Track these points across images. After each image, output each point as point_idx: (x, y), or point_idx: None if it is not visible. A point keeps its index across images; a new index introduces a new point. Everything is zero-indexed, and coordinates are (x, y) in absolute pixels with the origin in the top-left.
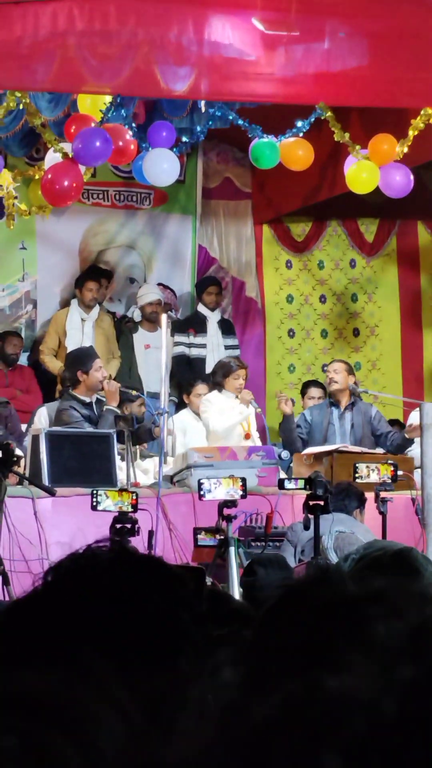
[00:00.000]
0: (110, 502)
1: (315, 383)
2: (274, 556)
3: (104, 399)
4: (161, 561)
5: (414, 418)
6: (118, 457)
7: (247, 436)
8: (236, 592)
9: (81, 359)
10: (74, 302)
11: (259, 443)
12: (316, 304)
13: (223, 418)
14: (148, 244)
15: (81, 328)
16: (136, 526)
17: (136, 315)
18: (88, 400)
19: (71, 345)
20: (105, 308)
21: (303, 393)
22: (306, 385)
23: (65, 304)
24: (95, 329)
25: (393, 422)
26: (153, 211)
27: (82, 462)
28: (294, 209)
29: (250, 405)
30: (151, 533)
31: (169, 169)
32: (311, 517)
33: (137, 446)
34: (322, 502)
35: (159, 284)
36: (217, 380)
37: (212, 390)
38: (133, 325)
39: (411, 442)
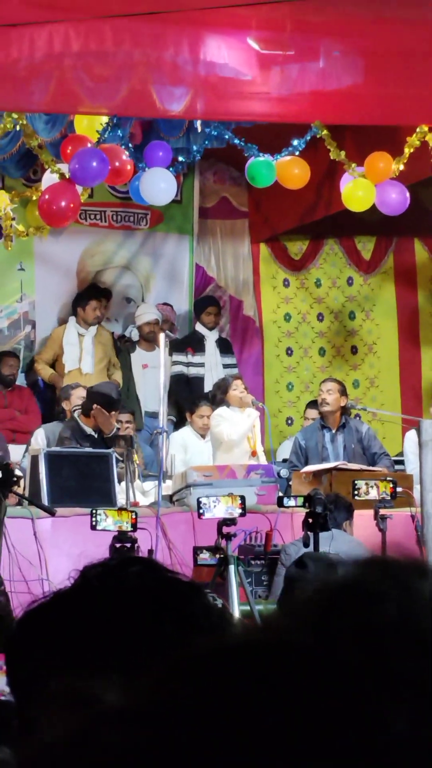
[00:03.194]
0: (110, 521)
1: (314, 404)
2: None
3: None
4: (194, 584)
5: (409, 439)
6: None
7: (254, 454)
8: (236, 610)
9: (109, 401)
10: (72, 319)
11: (264, 459)
12: (314, 323)
13: (236, 428)
14: (145, 264)
15: (78, 344)
16: (136, 545)
17: (134, 334)
18: (88, 431)
19: (69, 360)
20: (103, 327)
21: (305, 413)
22: (307, 405)
23: (63, 322)
24: (95, 344)
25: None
26: (150, 231)
27: (81, 482)
28: (291, 228)
29: (253, 406)
30: (150, 552)
31: (165, 189)
32: (310, 534)
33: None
34: (321, 520)
35: (158, 304)
36: (219, 399)
37: (219, 407)
38: (130, 344)
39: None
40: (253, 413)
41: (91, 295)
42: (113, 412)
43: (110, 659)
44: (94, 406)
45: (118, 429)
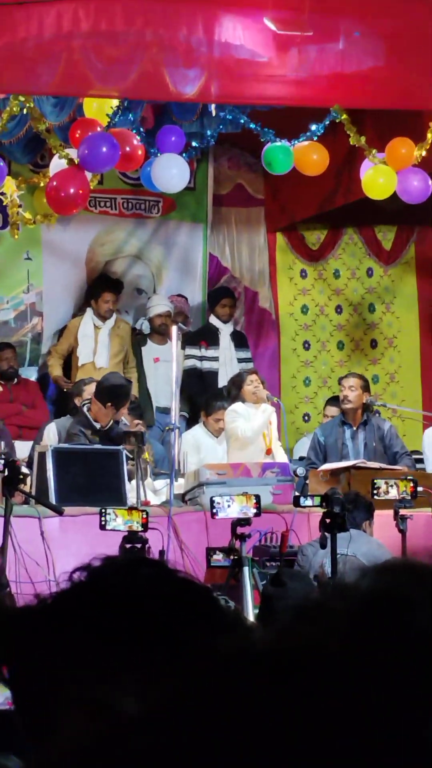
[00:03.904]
0: (120, 521)
1: (335, 400)
2: (299, 572)
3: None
4: (206, 589)
5: (428, 437)
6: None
7: (269, 452)
8: (251, 614)
9: (119, 396)
10: (89, 311)
11: (282, 454)
12: (332, 315)
13: (250, 424)
14: (157, 253)
15: (94, 336)
16: (147, 545)
17: (145, 327)
18: (99, 426)
19: (83, 354)
20: (121, 317)
21: (324, 409)
22: (327, 402)
23: (76, 314)
24: (111, 337)
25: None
26: (162, 219)
27: (90, 480)
28: (308, 216)
29: (268, 402)
30: (162, 553)
31: (178, 175)
32: (328, 535)
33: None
34: (339, 520)
35: (171, 295)
36: (234, 395)
37: (233, 402)
38: (142, 337)
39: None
40: (269, 409)
41: (105, 287)
42: (111, 405)
43: (120, 663)
44: (107, 404)
45: (127, 425)
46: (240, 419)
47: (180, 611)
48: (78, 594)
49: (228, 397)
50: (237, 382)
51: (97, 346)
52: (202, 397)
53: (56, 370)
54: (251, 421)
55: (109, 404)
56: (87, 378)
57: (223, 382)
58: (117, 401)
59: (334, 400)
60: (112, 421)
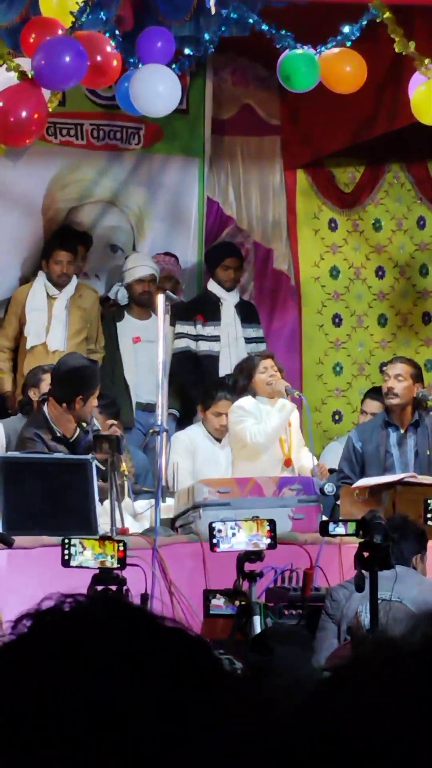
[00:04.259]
0: (88, 554)
1: (376, 393)
2: (293, 630)
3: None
4: (183, 629)
5: None
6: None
7: (287, 462)
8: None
9: (87, 381)
10: (41, 275)
11: (308, 458)
12: (372, 280)
13: (263, 425)
14: (137, 198)
15: (47, 309)
16: (125, 587)
17: (122, 296)
18: (59, 433)
19: (32, 333)
20: (86, 282)
21: (362, 404)
22: (366, 395)
23: (26, 280)
24: (70, 310)
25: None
26: (144, 152)
27: (49, 500)
28: (340, 148)
29: (287, 396)
30: (144, 598)
31: (165, 94)
32: (366, 574)
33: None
34: (381, 554)
35: (157, 254)
36: (242, 386)
37: (240, 397)
38: (117, 310)
39: None
40: (288, 406)
41: (58, 244)
42: (73, 402)
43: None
44: (76, 398)
45: (97, 428)
46: (249, 419)
47: (169, 681)
48: (18, 654)
49: (234, 390)
50: (246, 369)
51: (50, 323)
52: (198, 389)
53: (5, 383)
54: (264, 422)
55: (71, 401)
56: (47, 365)
57: (226, 369)
58: (81, 390)
59: (374, 393)
60: (78, 431)
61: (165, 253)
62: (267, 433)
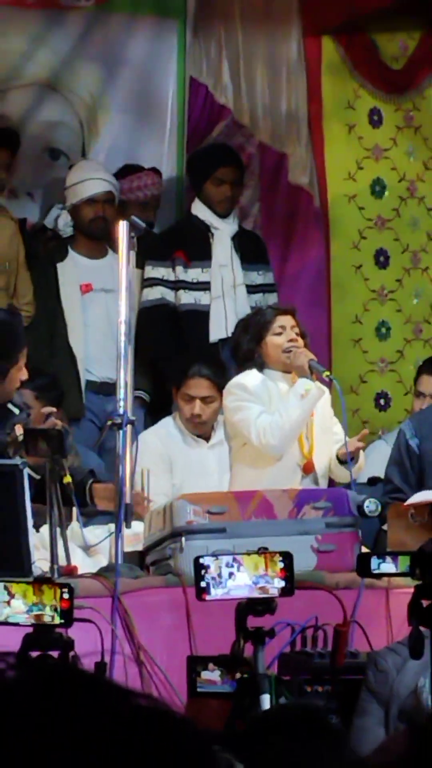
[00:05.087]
0: (18, 605)
1: None
2: (313, 712)
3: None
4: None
5: None
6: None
7: (308, 468)
8: None
9: (2, 345)
10: None
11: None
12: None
13: (275, 418)
14: (88, 79)
15: None
16: (71, 654)
17: (64, 224)
18: None
19: None
20: (2, 208)
21: (416, 382)
22: (422, 370)
23: None
24: None
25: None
26: (98, 11)
27: None
28: (385, 5)
29: (313, 376)
30: (100, 668)
31: None
32: (427, 633)
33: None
34: None
35: (129, 167)
36: (247, 351)
37: (242, 370)
38: (57, 245)
39: None
40: (314, 390)
41: None
42: (24, 364)
43: None
44: None
45: (27, 417)
46: (253, 406)
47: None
48: None
49: (235, 358)
50: (254, 327)
51: None
52: (179, 361)
53: None
54: (279, 412)
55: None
56: None
57: (219, 332)
58: (6, 355)
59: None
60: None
61: (138, 168)
62: (282, 430)
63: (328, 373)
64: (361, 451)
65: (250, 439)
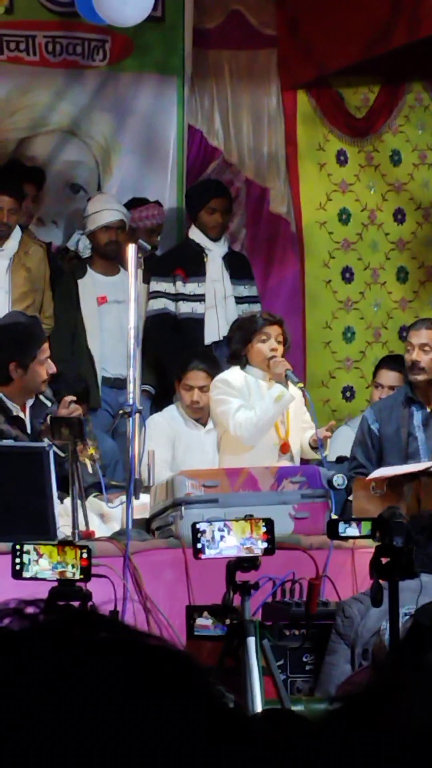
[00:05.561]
0: (45, 564)
1: (395, 361)
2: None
3: (47, 402)
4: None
5: None
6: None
7: (284, 448)
8: (259, 710)
9: (21, 342)
10: None
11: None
12: (389, 225)
13: (251, 414)
14: (102, 126)
15: None
16: (89, 604)
17: (83, 247)
18: (15, 411)
19: None
20: (32, 234)
21: (375, 375)
22: (380, 364)
23: None
24: (12, 270)
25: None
26: (111, 70)
27: None
28: (350, 64)
29: (285, 382)
30: (114, 615)
31: None
32: (385, 584)
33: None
34: (403, 560)
35: (137, 200)
36: (235, 350)
37: (230, 367)
38: (78, 264)
39: None
40: (287, 395)
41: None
42: (47, 357)
43: None
44: (10, 365)
45: (52, 407)
46: (234, 401)
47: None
48: None
49: (231, 357)
50: (245, 330)
51: None
52: (178, 360)
53: None
54: (255, 408)
55: (4, 370)
56: None
57: (212, 335)
58: (16, 355)
59: (392, 363)
60: (27, 408)
61: (138, 199)
62: (256, 427)
63: (301, 384)
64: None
65: (228, 430)
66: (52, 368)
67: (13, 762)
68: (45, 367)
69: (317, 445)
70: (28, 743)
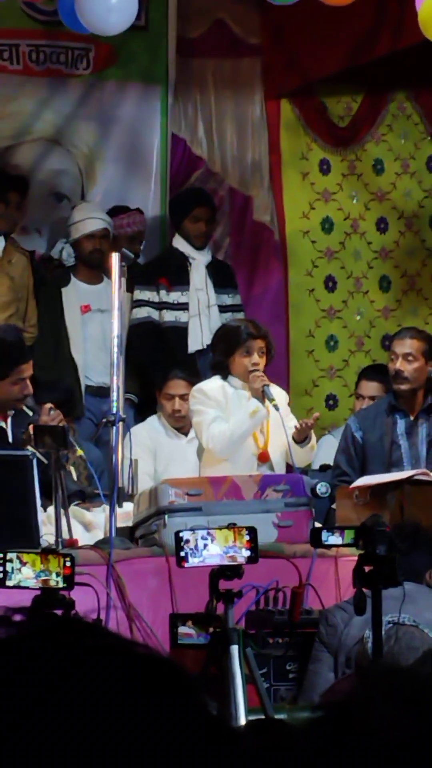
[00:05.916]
0: (28, 572)
1: (375, 371)
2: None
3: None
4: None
5: None
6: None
7: (263, 457)
8: (242, 718)
9: (6, 358)
10: None
11: (285, 465)
12: (372, 234)
13: (225, 427)
14: (86, 135)
15: None
16: (72, 612)
17: (67, 255)
18: None
19: None
20: (16, 243)
21: (357, 386)
22: (362, 375)
23: None
24: None
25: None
26: (95, 78)
27: None
28: (333, 73)
29: (262, 398)
30: (98, 623)
31: (119, 7)
32: (368, 593)
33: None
34: (385, 569)
35: (118, 208)
36: (217, 360)
37: (213, 376)
38: (61, 272)
39: None
40: (262, 411)
41: None
42: (25, 377)
43: None
44: None
45: (35, 416)
46: (210, 411)
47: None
48: None
49: (214, 366)
50: (229, 340)
51: None
52: (161, 368)
53: None
54: (231, 420)
55: (18, 367)
56: None
57: (195, 344)
58: (4, 365)
59: (374, 372)
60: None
61: (119, 207)
62: (229, 440)
63: (275, 401)
64: (312, 432)
65: (201, 441)
66: (29, 390)
67: (6, 764)
68: (19, 386)
69: (300, 438)
70: (20, 745)
